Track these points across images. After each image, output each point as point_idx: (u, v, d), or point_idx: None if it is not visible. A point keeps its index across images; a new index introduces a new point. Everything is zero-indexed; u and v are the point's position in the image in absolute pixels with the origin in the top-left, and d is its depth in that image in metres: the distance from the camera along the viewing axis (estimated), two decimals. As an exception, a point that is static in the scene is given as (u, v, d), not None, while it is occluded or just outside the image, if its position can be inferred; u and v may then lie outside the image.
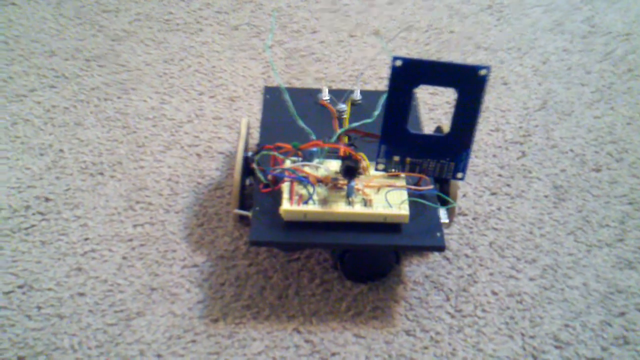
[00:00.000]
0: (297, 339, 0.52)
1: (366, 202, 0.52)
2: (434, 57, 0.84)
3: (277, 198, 0.52)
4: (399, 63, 0.49)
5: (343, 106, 0.62)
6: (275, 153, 0.55)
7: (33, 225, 0.60)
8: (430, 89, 0.77)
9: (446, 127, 0.54)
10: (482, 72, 0.49)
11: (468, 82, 0.50)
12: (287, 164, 0.54)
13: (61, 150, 0.67)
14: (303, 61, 0.82)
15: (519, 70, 0.83)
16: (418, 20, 0.91)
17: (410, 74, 0.50)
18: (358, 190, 0.53)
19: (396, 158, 0.54)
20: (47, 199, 0.62)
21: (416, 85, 0.51)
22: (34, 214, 0.61)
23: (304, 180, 0.52)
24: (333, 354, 0.51)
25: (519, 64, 0.84)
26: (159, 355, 0.50)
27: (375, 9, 0.93)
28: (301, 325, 0.53)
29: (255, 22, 0.89)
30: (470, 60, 0.84)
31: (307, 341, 0.52)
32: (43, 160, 0.66)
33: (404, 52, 0.84)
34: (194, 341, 0.51)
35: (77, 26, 0.86)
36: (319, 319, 0.53)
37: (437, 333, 0.53)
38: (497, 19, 0.92)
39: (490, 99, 0.77)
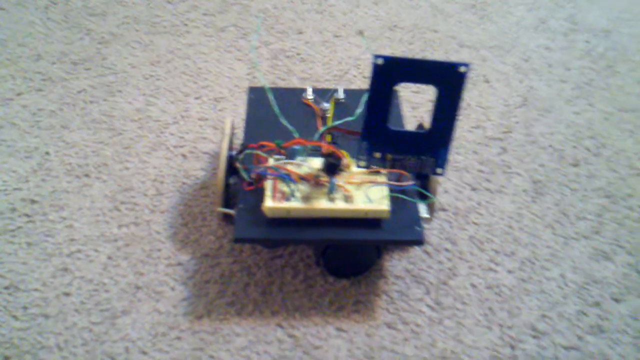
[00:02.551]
0: (280, 334, 0.53)
1: (348, 199, 0.53)
2: (418, 56, 0.84)
3: (260, 196, 0.53)
4: (380, 61, 0.50)
5: (327, 105, 0.63)
6: (259, 152, 0.56)
7: (19, 227, 0.60)
8: (413, 87, 0.78)
9: (427, 124, 0.55)
10: (462, 69, 0.50)
11: (448, 79, 0.50)
12: (271, 162, 0.55)
13: (47, 153, 0.68)
14: (288, 62, 0.83)
15: (501, 68, 0.84)
16: (403, 20, 0.92)
17: (391, 72, 0.51)
18: (340, 186, 0.53)
19: (377, 155, 0.54)
20: (33, 201, 0.63)
21: (397, 82, 0.51)
22: (20, 216, 0.61)
23: (286, 178, 0.53)
24: (315, 348, 0.52)
25: (501, 62, 0.85)
26: (144, 352, 0.51)
27: (361, 9, 0.94)
28: (284, 320, 0.54)
29: (242, 24, 0.90)
30: (453, 58, 0.85)
31: (290, 336, 0.53)
32: (29, 163, 0.67)
33: (389, 52, 0.85)
34: (178, 338, 0.52)
35: (65, 30, 0.87)
36: (302, 313, 0.54)
37: (417, 325, 0.54)
38: (481, 17, 0.93)
39: (472, 97, 0.78)
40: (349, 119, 0.60)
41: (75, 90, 0.77)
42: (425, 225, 0.60)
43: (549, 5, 0.97)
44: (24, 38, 0.85)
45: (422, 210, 0.56)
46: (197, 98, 0.76)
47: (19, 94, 0.76)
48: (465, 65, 0.50)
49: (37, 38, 0.85)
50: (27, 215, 0.61)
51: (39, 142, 0.69)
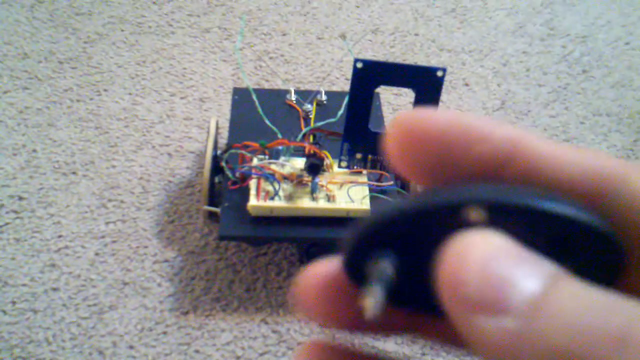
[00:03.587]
0: (264, 330, 0.54)
1: (330, 198, 0.54)
2: (398, 59, 0.86)
3: (245, 194, 0.55)
4: (360, 65, 0.52)
5: (309, 106, 0.65)
6: (243, 151, 0.57)
7: (7, 223, 0.61)
8: (394, 90, 0.80)
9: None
10: (439, 73, 0.52)
11: (425, 83, 0.52)
12: (255, 161, 0.57)
13: (34, 151, 0.69)
14: (272, 63, 0.85)
15: (479, 71, 0.86)
16: (384, 23, 0.94)
17: (370, 75, 0.52)
18: (322, 186, 0.55)
19: (358, 155, 0.56)
20: (20, 198, 0.64)
21: (377, 85, 0.53)
22: (7, 213, 0.62)
23: (270, 177, 0.55)
24: (299, 343, 0.53)
25: (480, 66, 0.87)
26: (131, 347, 0.52)
27: (343, 12, 0.96)
28: (268, 316, 0.55)
29: (226, 25, 0.91)
30: (433, 62, 0.87)
31: (274, 331, 0.54)
32: (16, 161, 0.68)
33: (370, 54, 0.87)
34: (165, 333, 0.54)
35: (51, 29, 0.87)
36: (286, 310, 0.56)
37: (398, 322, 0.56)
38: (461, 22, 0.95)
39: (452, 100, 0.80)
40: (331, 120, 0.62)
41: (62, 89, 0.78)
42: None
43: (527, 10, 0.99)
44: (9, 37, 0.85)
45: (402, 209, 0.58)
46: (182, 98, 0.78)
47: (5, 92, 0.76)
48: (442, 69, 0.52)
49: (23, 37, 0.86)
50: (15, 211, 0.62)
51: (26, 139, 0.70)
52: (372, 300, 0.15)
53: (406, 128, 0.16)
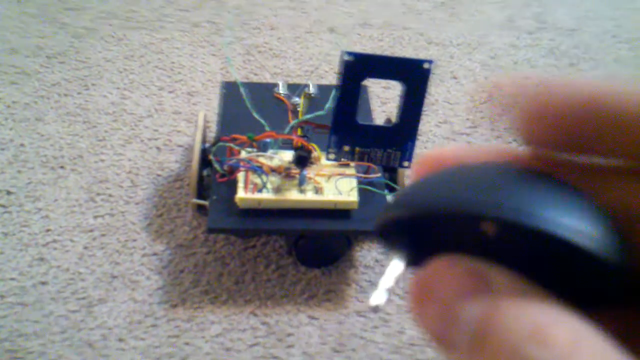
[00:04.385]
0: (253, 322, 0.54)
1: (317, 190, 0.55)
2: (387, 53, 0.86)
3: (233, 187, 0.55)
4: (348, 57, 0.52)
5: (298, 99, 0.65)
6: (231, 144, 0.57)
7: (-5, 218, 0.61)
8: (383, 83, 0.80)
9: (395, 119, 0.57)
10: (426, 65, 0.52)
11: (413, 75, 0.52)
12: (243, 154, 0.57)
13: (22, 145, 0.69)
14: (261, 57, 0.85)
15: (468, 64, 0.86)
16: (374, 17, 0.94)
17: (359, 68, 0.52)
18: (310, 178, 0.55)
19: (346, 148, 0.56)
20: (8, 192, 0.64)
21: (365, 78, 0.53)
22: (-4, 207, 0.62)
23: (258, 170, 0.55)
24: (288, 335, 0.54)
25: (468, 59, 0.87)
26: (120, 340, 0.52)
27: (333, 6, 0.96)
28: (257, 308, 0.55)
29: (216, 20, 0.91)
30: (422, 55, 0.87)
31: (263, 323, 0.54)
32: (4, 155, 0.67)
33: (359, 48, 0.87)
34: (154, 325, 0.54)
35: (39, 24, 0.87)
36: (275, 302, 0.56)
37: (387, 313, 0.56)
38: (450, 15, 0.96)
39: (440, 93, 0.80)
40: (319, 113, 0.62)
41: (50, 84, 0.77)
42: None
43: (516, 4, 0.99)
44: (-3, 31, 0.85)
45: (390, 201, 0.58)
46: (170, 92, 0.78)
47: (-7, 87, 0.76)
48: (429, 62, 0.52)
49: (12, 31, 0.85)
50: (3, 206, 0.62)
51: (14, 134, 0.70)
52: (376, 297, 0.16)
53: (541, 100, 0.16)
